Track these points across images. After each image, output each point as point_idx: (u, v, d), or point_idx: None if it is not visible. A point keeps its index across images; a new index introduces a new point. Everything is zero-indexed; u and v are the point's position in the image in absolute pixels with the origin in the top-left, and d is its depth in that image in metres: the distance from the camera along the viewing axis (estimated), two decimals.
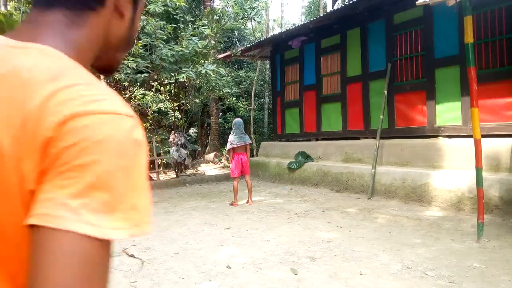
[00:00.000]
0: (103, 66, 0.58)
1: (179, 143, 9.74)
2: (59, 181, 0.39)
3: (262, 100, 16.98)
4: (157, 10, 8.15)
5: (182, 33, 8.60)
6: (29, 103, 0.41)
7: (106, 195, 0.40)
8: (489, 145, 5.25)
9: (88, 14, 0.52)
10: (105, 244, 0.39)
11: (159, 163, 12.21)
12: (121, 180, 0.41)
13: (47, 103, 0.41)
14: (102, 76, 9.89)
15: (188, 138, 12.24)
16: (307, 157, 8.61)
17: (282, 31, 9.62)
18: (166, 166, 12.85)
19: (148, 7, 8.29)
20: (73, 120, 0.40)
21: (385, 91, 7.02)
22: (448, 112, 6.24)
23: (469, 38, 3.83)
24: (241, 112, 15.00)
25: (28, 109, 0.41)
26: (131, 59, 7.84)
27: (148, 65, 8.12)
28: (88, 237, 0.38)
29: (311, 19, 8.47)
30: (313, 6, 20.79)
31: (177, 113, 12.50)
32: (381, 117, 7.03)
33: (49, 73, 0.43)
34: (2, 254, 0.43)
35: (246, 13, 13.11)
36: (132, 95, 12.32)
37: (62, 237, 0.38)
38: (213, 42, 9.82)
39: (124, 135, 0.43)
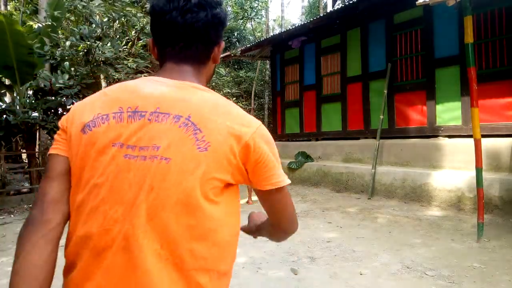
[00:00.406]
0: None
1: None
2: (270, 163, 0.81)
3: (262, 100, 16.97)
4: None
5: None
6: (226, 119, 0.78)
7: (277, 169, 0.83)
8: (489, 145, 5.25)
9: (202, 66, 0.91)
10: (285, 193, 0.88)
11: None
12: (278, 158, 0.84)
13: (235, 120, 0.80)
14: (102, 76, 9.89)
15: None
16: (307, 157, 8.61)
17: (282, 31, 9.62)
18: None
19: (146, 5, 8.28)
20: (257, 131, 0.81)
21: (385, 91, 7.01)
22: (448, 112, 6.23)
23: (469, 38, 3.83)
24: None
25: (228, 123, 0.78)
26: (131, 59, 7.84)
27: (148, 65, 8.12)
28: (286, 186, 0.85)
29: (311, 19, 8.47)
30: (313, 7, 20.78)
31: None
32: (381, 117, 7.03)
33: (223, 101, 0.83)
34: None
35: (246, 13, 13.11)
36: None
37: (285, 188, 0.86)
38: None
39: (270, 134, 0.85)
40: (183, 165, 0.74)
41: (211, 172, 0.75)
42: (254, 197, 6.80)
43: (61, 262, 0.82)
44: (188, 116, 0.77)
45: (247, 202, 6.44)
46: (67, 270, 0.81)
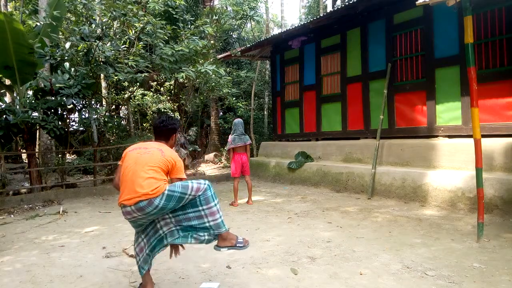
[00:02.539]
0: None
1: (179, 143, 9.74)
2: (176, 171, 2.74)
3: (262, 100, 16.97)
4: (156, 8, 8.12)
5: (181, 33, 8.59)
6: (169, 152, 2.80)
7: (182, 172, 2.77)
8: (489, 145, 5.25)
9: (167, 141, 2.95)
10: (184, 179, 2.75)
11: None
12: (182, 167, 2.78)
13: (171, 153, 2.80)
14: (102, 76, 9.88)
15: (188, 138, 12.24)
16: (307, 157, 8.61)
17: (282, 31, 9.62)
18: None
19: (148, 5, 8.26)
20: (177, 159, 2.78)
21: (385, 91, 7.02)
22: (448, 112, 6.24)
23: (469, 38, 3.83)
24: (240, 112, 15.01)
25: (169, 154, 2.78)
26: (131, 57, 7.82)
27: (148, 65, 8.11)
28: (182, 178, 2.74)
29: (311, 19, 8.47)
30: (312, 7, 20.77)
31: (176, 114, 12.49)
32: (381, 117, 7.03)
33: (169, 148, 2.88)
34: (157, 171, 2.68)
35: (245, 13, 13.10)
36: (132, 95, 12.30)
37: (181, 179, 2.73)
38: (212, 41, 9.81)
39: (180, 161, 2.81)
40: (154, 156, 2.68)
41: (161, 163, 2.67)
42: (255, 198, 6.81)
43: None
44: (160, 149, 2.75)
45: (247, 202, 6.44)
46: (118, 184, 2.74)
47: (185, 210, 2.64)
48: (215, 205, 2.68)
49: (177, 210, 2.64)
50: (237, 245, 2.73)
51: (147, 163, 2.60)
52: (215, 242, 2.73)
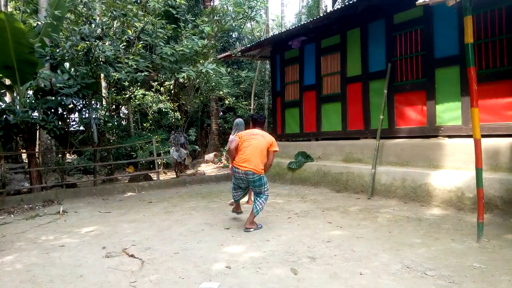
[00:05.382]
0: None
1: (179, 143, 9.74)
2: (272, 147, 4.80)
3: (262, 100, 16.97)
4: (156, 7, 8.12)
5: (182, 32, 8.59)
6: (268, 137, 4.86)
7: (276, 146, 4.86)
8: (489, 145, 5.25)
9: (262, 127, 5.06)
10: (277, 150, 4.91)
11: (159, 163, 12.19)
12: (275, 143, 4.87)
13: (269, 139, 4.85)
14: (102, 75, 9.88)
15: (188, 138, 12.24)
16: (307, 157, 8.61)
17: (282, 31, 9.62)
18: (166, 166, 12.84)
19: (148, 4, 8.26)
20: (273, 140, 4.88)
21: (385, 91, 7.02)
22: (448, 112, 6.24)
23: (469, 38, 3.83)
24: (240, 112, 15.01)
25: (268, 137, 4.86)
26: (131, 57, 7.82)
27: (149, 64, 8.11)
28: (276, 150, 4.85)
29: (311, 19, 8.47)
30: (312, 8, 20.77)
31: (177, 114, 12.49)
32: (381, 117, 7.03)
33: (267, 133, 4.96)
34: (263, 154, 4.79)
35: (245, 13, 13.09)
36: (132, 95, 12.31)
37: (275, 151, 4.86)
38: (213, 41, 9.80)
39: (274, 140, 4.90)
40: (262, 142, 4.74)
41: (265, 145, 4.72)
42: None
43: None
44: (262, 135, 4.81)
45: (247, 202, 6.44)
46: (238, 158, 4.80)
47: (255, 190, 4.83)
48: (264, 203, 4.83)
49: (255, 187, 4.77)
50: (258, 226, 4.77)
51: (259, 147, 4.62)
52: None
